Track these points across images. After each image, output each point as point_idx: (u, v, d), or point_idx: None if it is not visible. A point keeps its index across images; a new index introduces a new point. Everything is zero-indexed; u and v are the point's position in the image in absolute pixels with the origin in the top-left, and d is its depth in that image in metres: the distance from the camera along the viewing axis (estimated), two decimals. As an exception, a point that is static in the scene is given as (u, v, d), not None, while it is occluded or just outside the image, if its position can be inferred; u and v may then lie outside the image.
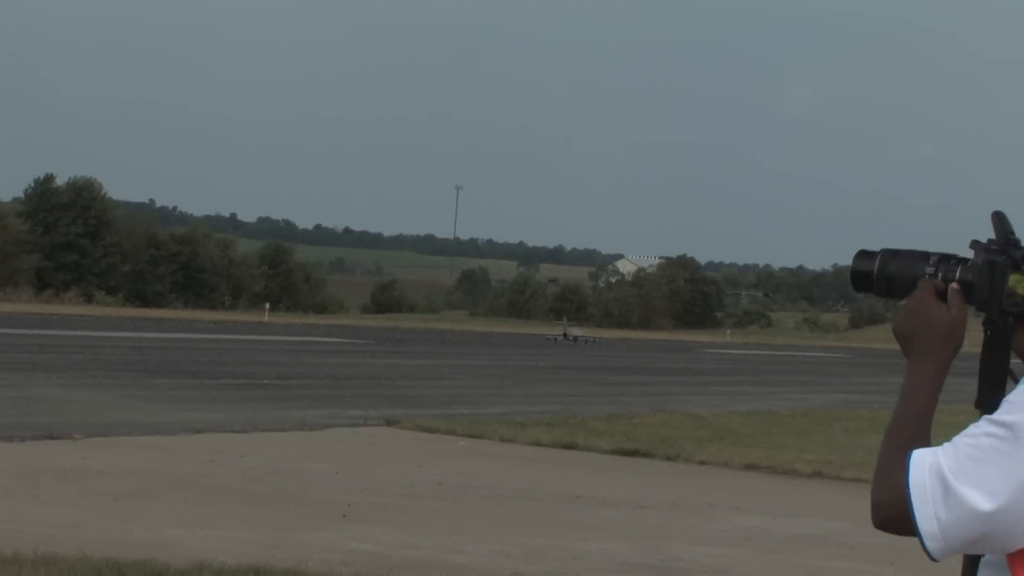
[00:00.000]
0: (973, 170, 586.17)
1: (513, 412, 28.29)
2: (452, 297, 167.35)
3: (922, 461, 2.74)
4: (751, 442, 24.81)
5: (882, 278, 3.00)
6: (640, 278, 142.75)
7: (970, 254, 2.91)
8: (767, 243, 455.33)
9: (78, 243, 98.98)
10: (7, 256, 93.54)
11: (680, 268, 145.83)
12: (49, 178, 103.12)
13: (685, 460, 22.07)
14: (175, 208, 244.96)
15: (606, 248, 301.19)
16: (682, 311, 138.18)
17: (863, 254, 3.04)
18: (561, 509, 16.39)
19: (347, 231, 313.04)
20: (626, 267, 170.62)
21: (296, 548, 12.60)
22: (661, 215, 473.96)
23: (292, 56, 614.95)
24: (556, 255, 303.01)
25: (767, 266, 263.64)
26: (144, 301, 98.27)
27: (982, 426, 2.75)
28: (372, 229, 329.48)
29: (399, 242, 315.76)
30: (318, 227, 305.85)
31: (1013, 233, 2.89)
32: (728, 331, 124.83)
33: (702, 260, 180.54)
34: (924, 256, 2.97)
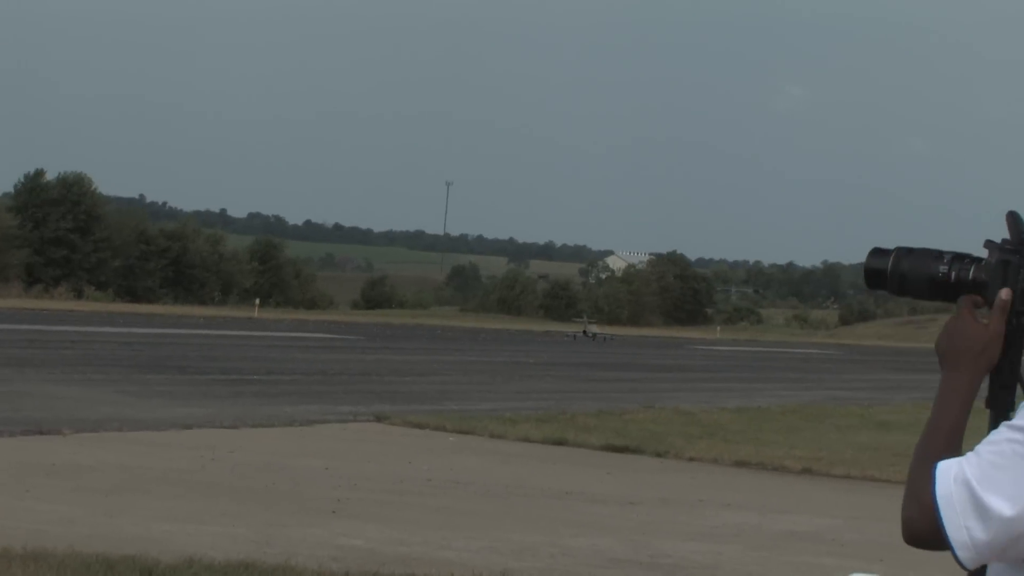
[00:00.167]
0: (964, 168, 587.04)
1: (503, 408, 28.30)
2: (442, 293, 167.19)
3: (947, 472, 2.76)
4: (741, 438, 24.85)
5: (896, 276, 3.01)
6: (630, 274, 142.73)
7: (984, 253, 2.92)
8: (757, 239, 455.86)
9: (68, 238, 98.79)
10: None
11: (670, 264, 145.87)
12: (39, 173, 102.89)
13: (675, 456, 22.09)
14: (165, 203, 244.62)
15: (596, 244, 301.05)
16: (672, 307, 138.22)
17: (877, 252, 3.04)
18: (551, 505, 16.41)
19: (337, 227, 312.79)
20: (616, 263, 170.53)
21: (286, 544, 12.60)
22: (651, 211, 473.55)
23: (283, 53, 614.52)
24: (546, 251, 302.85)
25: (757, 262, 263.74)
26: (134, 296, 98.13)
27: (1003, 433, 2.77)
28: (362, 225, 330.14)
29: (389, 238, 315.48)
30: (308, 223, 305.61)
31: None
32: (718, 327, 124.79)
33: (692, 256, 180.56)
34: (938, 255, 2.97)
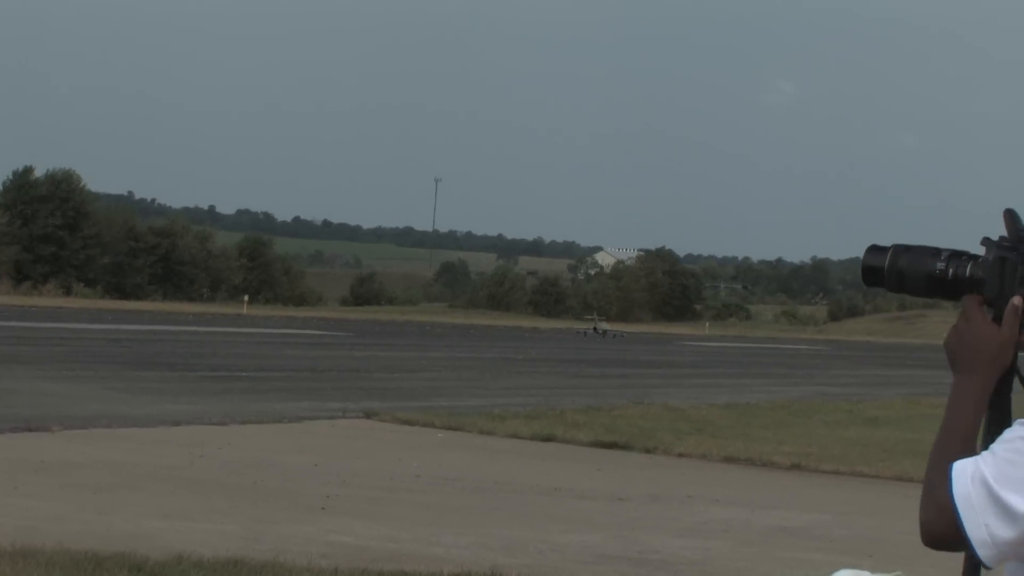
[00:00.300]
0: (955, 164, 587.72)
1: (492, 404, 28.30)
2: (431, 289, 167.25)
3: (963, 472, 2.77)
4: (730, 434, 24.85)
5: (893, 273, 3.01)
6: (619, 271, 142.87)
7: (981, 250, 2.92)
8: (746, 235, 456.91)
9: (57, 235, 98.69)
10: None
11: (659, 260, 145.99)
12: (28, 170, 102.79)
13: (664, 452, 22.09)
14: (154, 200, 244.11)
15: (585, 240, 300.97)
16: (661, 303, 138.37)
17: (874, 249, 3.05)
18: (540, 501, 16.41)
19: (326, 223, 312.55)
20: (605, 259, 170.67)
21: (275, 540, 12.59)
22: (640, 208, 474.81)
23: (272, 49, 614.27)
24: (535, 247, 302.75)
25: (746, 258, 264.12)
26: (123, 293, 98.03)
27: (1017, 431, 2.79)
28: (351, 221, 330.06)
29: (378, 234, 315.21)
30: (297, 219, 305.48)
31: None
32: (707, 323, 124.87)
33: (681, 252, 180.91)
34: (935, 252, 2.98)
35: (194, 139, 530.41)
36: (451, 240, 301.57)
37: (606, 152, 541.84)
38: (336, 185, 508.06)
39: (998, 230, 2.93)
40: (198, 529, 13.02)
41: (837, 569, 6.46)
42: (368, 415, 25.12)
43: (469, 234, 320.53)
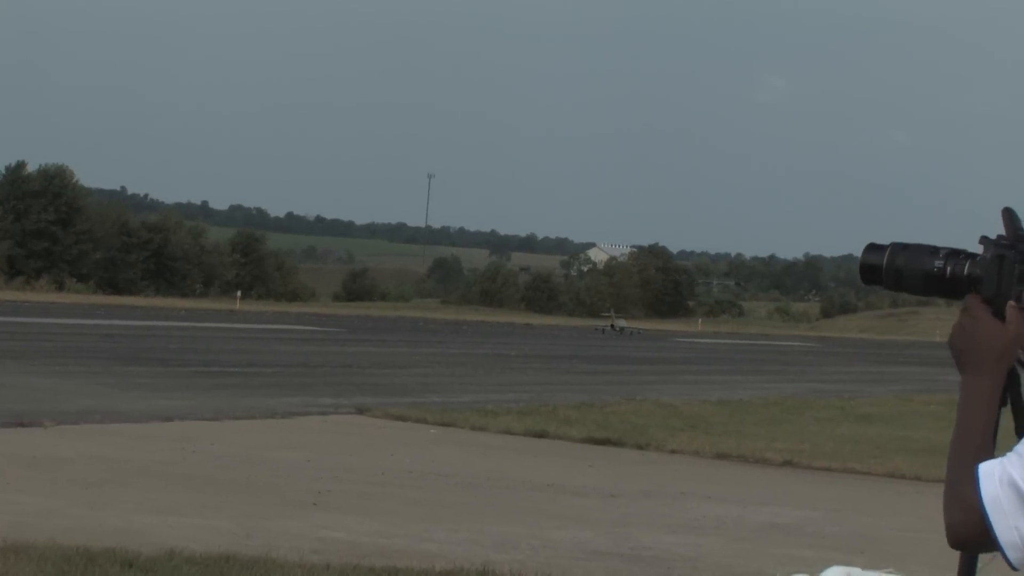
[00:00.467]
0: (947, 160, 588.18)
1: (485, 400, 28.30)
2: (424, 285, 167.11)
3: (991, 474, 2.75)
4: (722, 431, 24.87)
5: (891, 271, 3.01)
6: (612, 267, 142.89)
7: (979, 249, 2.92)
8: (739, 232, 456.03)
9: (49, 230, 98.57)
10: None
11: (652, 257, 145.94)
12: (20, 165, 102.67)
13: (656, 449, 22.10)
14: (147, 195, 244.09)
15: (578, 237, 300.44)
16: (654, 300, 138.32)
17: (872, 247, 3.04)
18: (532, 497, 16.41)
19: (319, 219, 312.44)
20: (598, 256, 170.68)
21: (267, 536, 12.59)
22: (633, 204, 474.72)
23: (265, 45, 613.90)
24: (528, 244, 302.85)
25: (739, 255, 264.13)
26: (115, 289, 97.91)
27: None
28: (344, 217, 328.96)
29: (371, 230, 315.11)
30: (290, 215, 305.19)
31: (1022, 229, 2.90)
32: (700, 320, 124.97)
33: (674, 249, 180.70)
34: (933, 250, 2.97)
35: (187, 135, 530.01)
36: (444, 236, 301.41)
37: (599, 149, 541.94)
38: (329, 181, 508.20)
39: (991, 226, 2.92)
40: (189, 524, 13.01)
41: (829, 566, 6.44)
42: (360, 411, 25.11)
43: (462, 230, 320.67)
